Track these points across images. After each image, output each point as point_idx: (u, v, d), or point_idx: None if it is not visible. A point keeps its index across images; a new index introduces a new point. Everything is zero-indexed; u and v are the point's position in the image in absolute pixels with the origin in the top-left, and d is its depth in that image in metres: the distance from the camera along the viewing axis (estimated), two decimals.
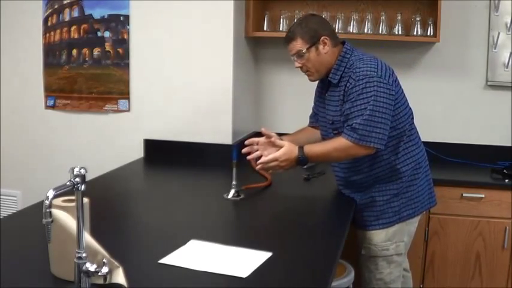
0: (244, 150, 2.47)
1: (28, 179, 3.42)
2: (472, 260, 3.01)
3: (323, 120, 2.50)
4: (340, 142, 2.25)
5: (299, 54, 2.34)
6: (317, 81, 2.52)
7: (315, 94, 2.63)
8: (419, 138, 2.49)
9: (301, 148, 2.29)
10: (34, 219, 1.69)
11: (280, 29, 3.37)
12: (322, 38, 2.32)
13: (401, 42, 3.19)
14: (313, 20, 2.41)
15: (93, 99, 3.31)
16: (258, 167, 2.33)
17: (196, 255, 1.73)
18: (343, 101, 2.29)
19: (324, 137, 2.50)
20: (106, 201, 2.30)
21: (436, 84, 3.35)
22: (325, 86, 2.46)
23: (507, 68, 3.27)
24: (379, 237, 2.43)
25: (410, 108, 2.42)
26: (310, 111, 2.73)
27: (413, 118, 2.44)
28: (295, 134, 2.70)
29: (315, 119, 2.66)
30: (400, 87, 2.37)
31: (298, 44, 2.33)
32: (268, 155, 2.31)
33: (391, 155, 2.36)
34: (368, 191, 2.41)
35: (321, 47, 2.33)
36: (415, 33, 3.22)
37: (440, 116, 3.35)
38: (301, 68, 2.38)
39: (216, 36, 3.10)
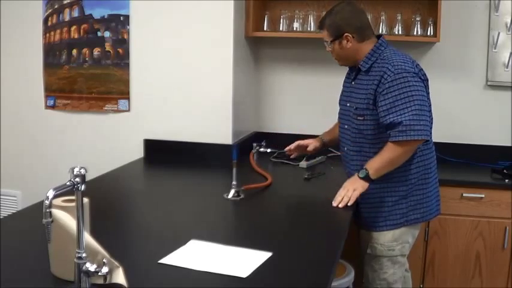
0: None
1: (28, 179, 3.42)
2: (472, 260, 3.01)
3: (344, 108, 2.53)
4: (396, 146, 2.26)
5: (327, 43, 2.44)
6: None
7: (342, 86, 2.67)
8: (433, 145, 2.51)
9: (361, 169, 2.32)
10: (34, 219, 1.69)
11: (280, 29, 3.38)
12: (345, 35, 2.38)
13: (402, 42, 3.18)
14: (343, 13, 2.41)
15: (93, 99, 3.31)
16: (340, 205, 2.29)
17: (196, 255, 1.73)
18: (376, 91, 2.31)
19: (343, 127, 2.53)
20: (106, 201, 2.30)
21: (436, 84, 3.33)
22: (352, 75, 2.51)
23: (507, 68, 3.27)
24: (386, 237, 2.44)
25: (432, 117, 2.44)
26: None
27: (432, 123, 2.46)
28: (332, 130, 2.84)
29: None
30: (429, 93, 2.40)
31: (325, 35, 2.45)
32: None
33: None
34: (376, 191, 2.41)
35: (344, 42, 2.39)
36: (415, 33, 3.22)
37: (440, 116, 3.32)
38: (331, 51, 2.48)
39: (216, 36, 3.10)
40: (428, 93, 2.38)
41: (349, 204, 2.28)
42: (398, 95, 2.25)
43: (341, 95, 2.66)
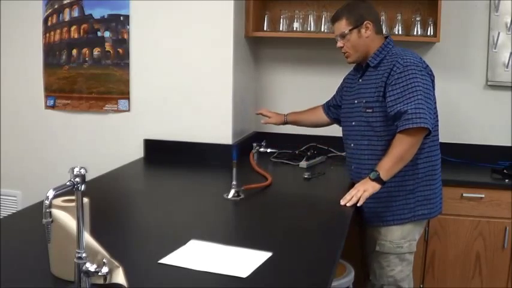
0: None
1: (28, 179, 3.42)
2: (472, 260, 3.01)
3: (351, 106, 2.56)
4: (402, 138, 2.28)
5: (342, 35, 2.46)
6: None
7: (341, 88, 2.75)
8: (439, 143, 2.53)
9: (372, 171, 2.32)
10: (34, 219, 1.69)
11: (280, 29, 3.38)
12: (365, 22, 2.44)
13: (402, 42, 3.18)
14: (361, 4, 2.51)
15: (93, 99, 3.31)
16: (348, 204, 2.28)
17: (196, 255, 1.73)
18: (386, 82, 2.36)
19: (349, 125, 2.56)
20: (106, 201, 2.30)
21: (436, 84, 3.33)
22: (359, 72, 2.56)
23: (507, 68, 3.27)
24: (395, 234, 2.47)
25: (437, 114, 2.47)
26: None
27: (438, 125, 2.49)
28: (300, 112, 3.03)
29: (332, 112, 2.86)
30: (434, 90, 2.44)
31: (343, 25, 2.46)
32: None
33: None
34: (384, 186, 2.41)
35: (363, 30, 2.44)
36: (415, 33, 3.22)
37: (440, 116, 3.32)
38: (341, 48, 2.50)
39: (216, 36, 3.10)
40: (434, 89, 2.42)
41: (358, 205, 2.28)
42: (405, 86, 2.30)
43: (344, 94, 2.69)
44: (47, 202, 1.27)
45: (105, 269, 1.34)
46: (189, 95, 3.18)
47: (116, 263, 1.40)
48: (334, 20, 2.51)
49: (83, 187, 1.34)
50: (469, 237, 3.00)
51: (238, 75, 3.19)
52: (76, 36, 3.29)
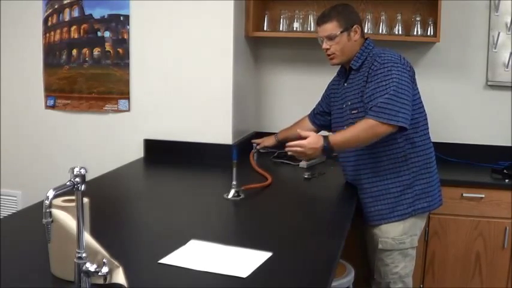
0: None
1: (28, 179, 3.42)
2: (472, 260, 3.01)
3: (341, 111, 2.58)
4: (366, 123, 2.29)
5: (330, 37, 2.45)
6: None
7: (327, 95, 2.79)
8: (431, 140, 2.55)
9: (326, 137, 2.34)
10: (34, 219, 1.69)
11: (280, 29, 3.38)
12: (355, 26, 2.45)
13: (402, 42, 3.19)
14: (349, 8, 2.52)
15: (93, 99, 3.31)
16: (286, 149, 2.37)
17: (196, 255, 1.73)
18: (366, 82, 2.39)
19: (337, 129, 2.58)
20: (106, 201, 2.30)
21: (436, 84, 3.35)
22: (343, 77, 2.59)
23: (507, 68, 3.27)
24: (396, 230, 2.48)
25: (424, 108, 2.49)
26: (309, 111, 2.89)
27: (426, 119, 2.51)
28: (289, 128, 3.02)
29: (319, 119, 2.87)
30: (416, 84, 2.47)
31: (333, 27, 2.45)
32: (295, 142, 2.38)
33: (405, 143, 2.42)
34: (381, 183, 2.42)
35: (352, 34, 2.46)
36: (415, 33, 3.22)
37: (440, 116, 3.34)
38: (327, 50, 2.49)
39: (216, 36, 3.10)
40: (414, 83, 2.43)
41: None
42: (379, 82, 2.33)
43: (331, 100, 2.71)
44: (47, 202, 1.27)
45: (105, 269, 1.34)
46: (189, 95, 3.18)
47: (116, 263, 1.40)
48: (323, 21, 2.49)
49: (83, 187, 1.34)
50: (469, 237, 3.00)
51: (238, 75, 3.19)
52: (76, 36, 3.30)
